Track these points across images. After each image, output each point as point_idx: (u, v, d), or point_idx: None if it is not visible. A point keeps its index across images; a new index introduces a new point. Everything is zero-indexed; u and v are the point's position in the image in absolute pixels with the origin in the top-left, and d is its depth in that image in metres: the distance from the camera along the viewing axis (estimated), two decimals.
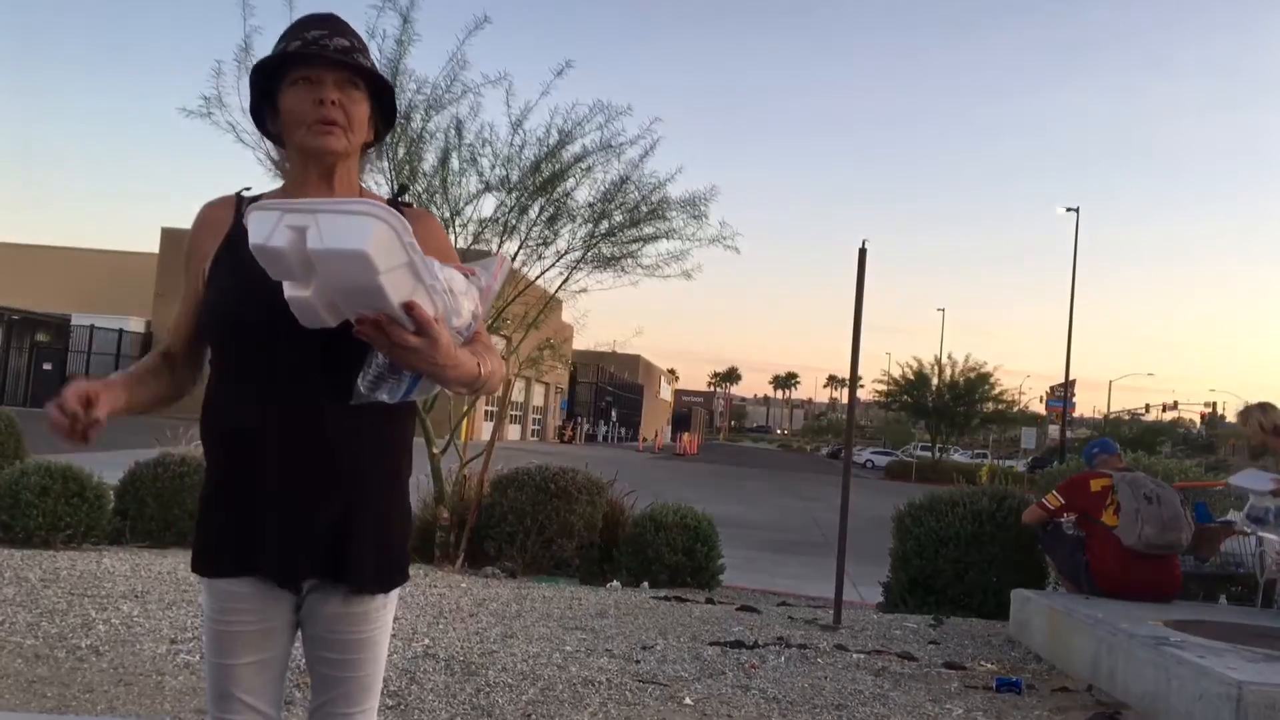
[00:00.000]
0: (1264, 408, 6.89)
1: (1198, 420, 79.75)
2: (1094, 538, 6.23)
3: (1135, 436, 48.25)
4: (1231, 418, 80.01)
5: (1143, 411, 78.70)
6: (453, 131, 9.07)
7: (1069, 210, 45.01)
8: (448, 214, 9.28)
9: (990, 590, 7.23)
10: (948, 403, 50.65)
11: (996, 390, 51.45)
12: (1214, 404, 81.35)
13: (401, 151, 9.02)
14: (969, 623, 6.66)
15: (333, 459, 1.79)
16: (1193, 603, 6.21)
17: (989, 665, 5.46)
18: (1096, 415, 79.91)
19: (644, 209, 9.57)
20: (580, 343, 15.62)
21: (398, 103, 2.41)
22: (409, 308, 1.56)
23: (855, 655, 5.48)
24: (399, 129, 8.72)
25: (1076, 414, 66.60)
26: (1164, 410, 77.26)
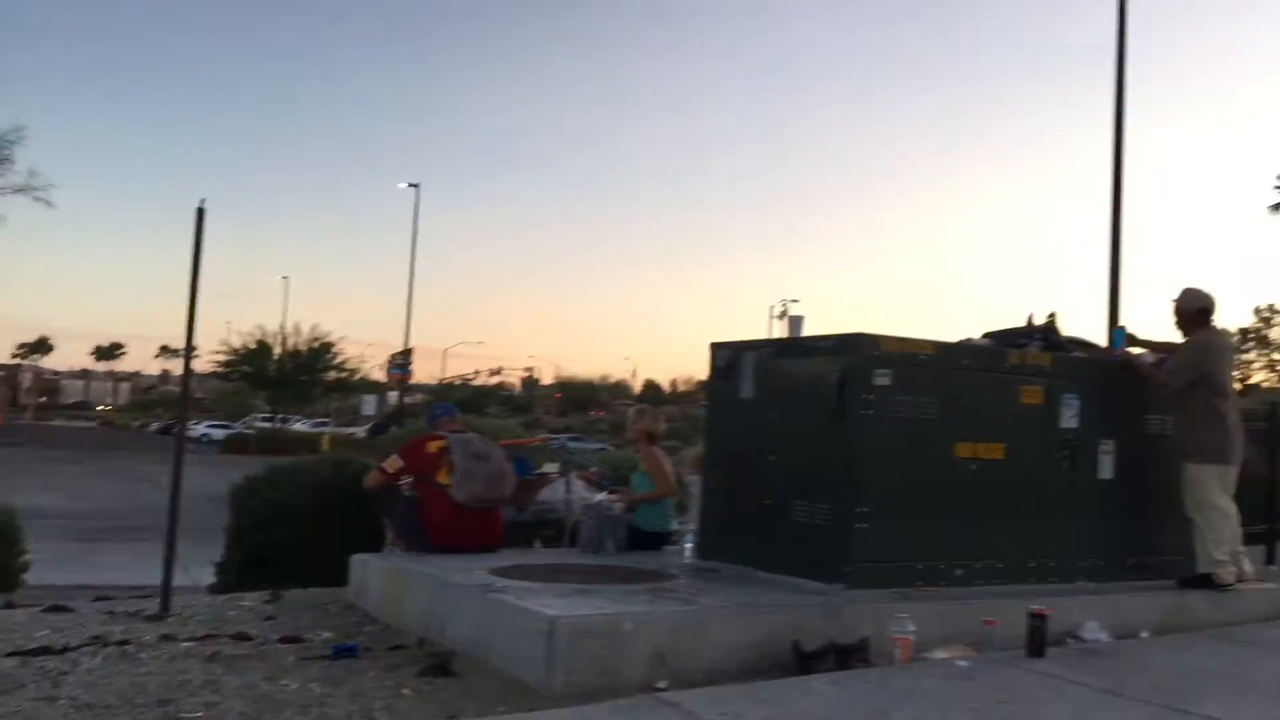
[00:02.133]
0: (641, 412, 7.84)
1: (518, 384, 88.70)
2: (429, 497, 6.54)
3: (466, 400, 52.11)
4: (547, 380, 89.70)
5: (473, 376, 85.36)
6: None
7: (411, 185, 46.92)
8: None
9: (332, 559, 7.23)
10: (290, 372, 50.08)
11: (340, 359, 52.08)
12: (531, 369, 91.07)
13: None
14: (309, 594, 6.60)
15: None
16: (515, 550, 6.81)
17: (326, 634, 5.45)
18: (433, 381, 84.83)
19: None
20: None
21: None
22: None
23: (184, 644, 5.12)
24: None
25: (415, 381, 69.83)
26: (490, 375, 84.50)
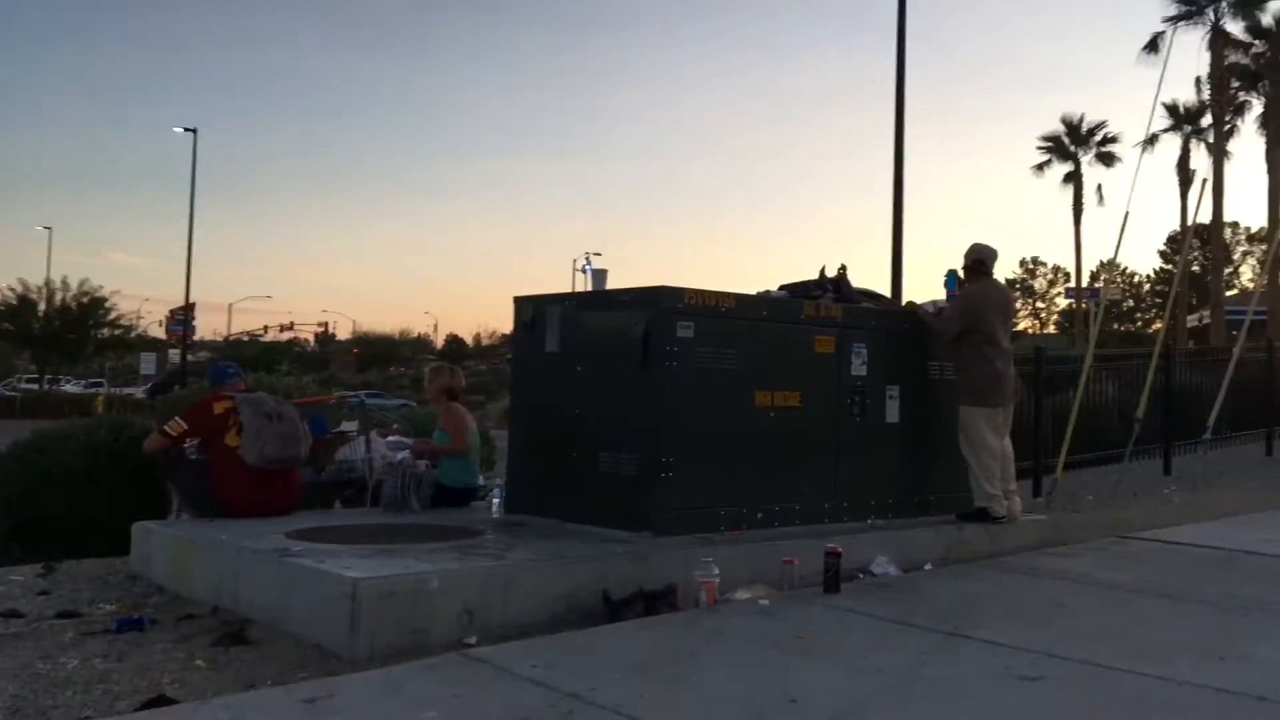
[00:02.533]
0: (437, 370, 7.62)
1: (312, 339, 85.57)
2: (217, 460, 6.21)
3: (256, 357, 49.86)
4: (343, 336, 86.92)
5: (262, 332, 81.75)
6: None
7: (187, 130, 44.10)
8: None
9: (112, 529, 6.78)
10: (58, 330, 46.55)
11: (114, 315, 48.77)
12: (326, 323, 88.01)
13: None
14: (86, 565, 6.17)
15: None
16: (313, 511, 6.58)
17: (109, 607, 5.12)
18: (218, 338, 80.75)
19: None
20: None
21: None
22: None
23: None
24: None
25: (198, 337, 66.34)
26: (281, 330, 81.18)
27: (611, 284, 6.39)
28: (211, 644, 4.43)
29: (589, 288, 6.61)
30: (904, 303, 7.31)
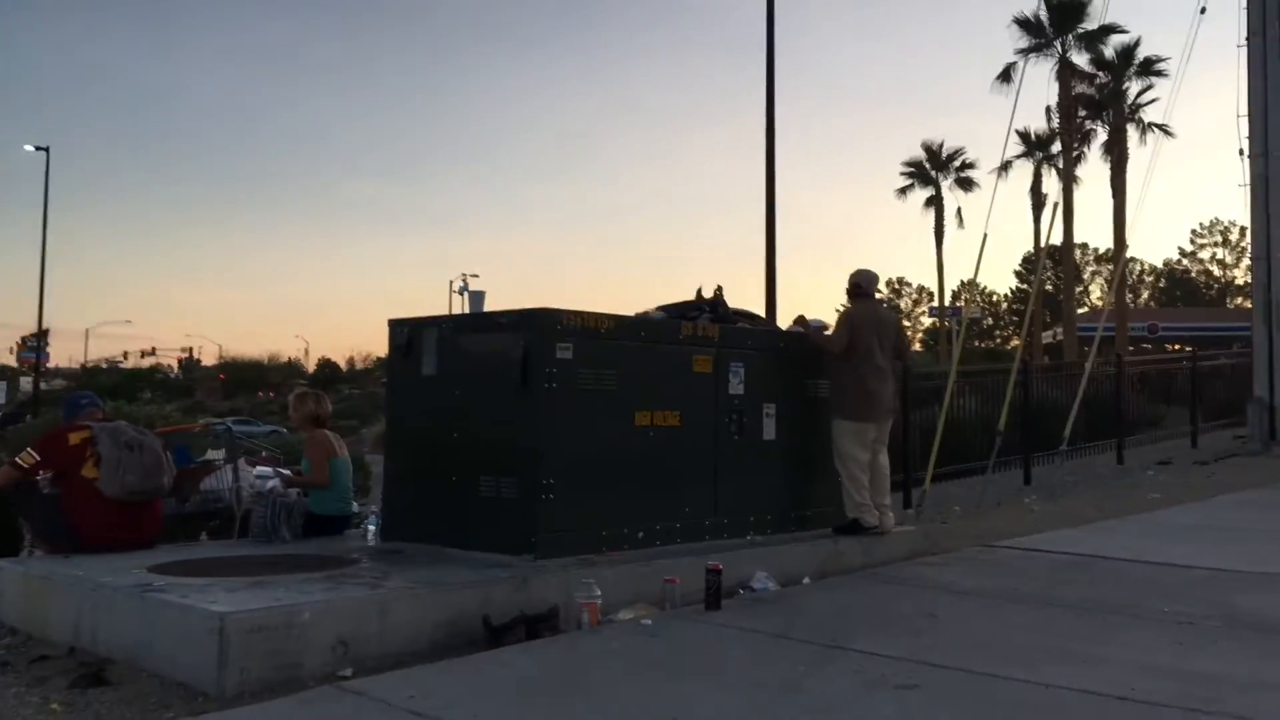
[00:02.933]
0: (302, 397, 7.37)
1: (176, 365, 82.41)
2: (74, 493, 5.90)
3: (116, 385, 47.69)
4: (209, 361, 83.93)
5: (122, 359, 78.38)
6: None
7: (39, 149, 42.11)
8: None
9: None
10: None
11: None
12: (190, 349, 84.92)
13: None
14: None
15: None
16: (177, 544, 6.31)
17: None
18: (74, 365, 77.01)
19: None
20: None
21: None
22: None
23: None
24: None
25: (52, 365, 63.19)
26: (143, 356, 78.01)
27: (490, 306, 6.33)
28: (68, 686, 4.19)
29: (467, 309, 6.53)
30: (795, 316, 7.53)
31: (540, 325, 5.59)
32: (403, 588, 4.89)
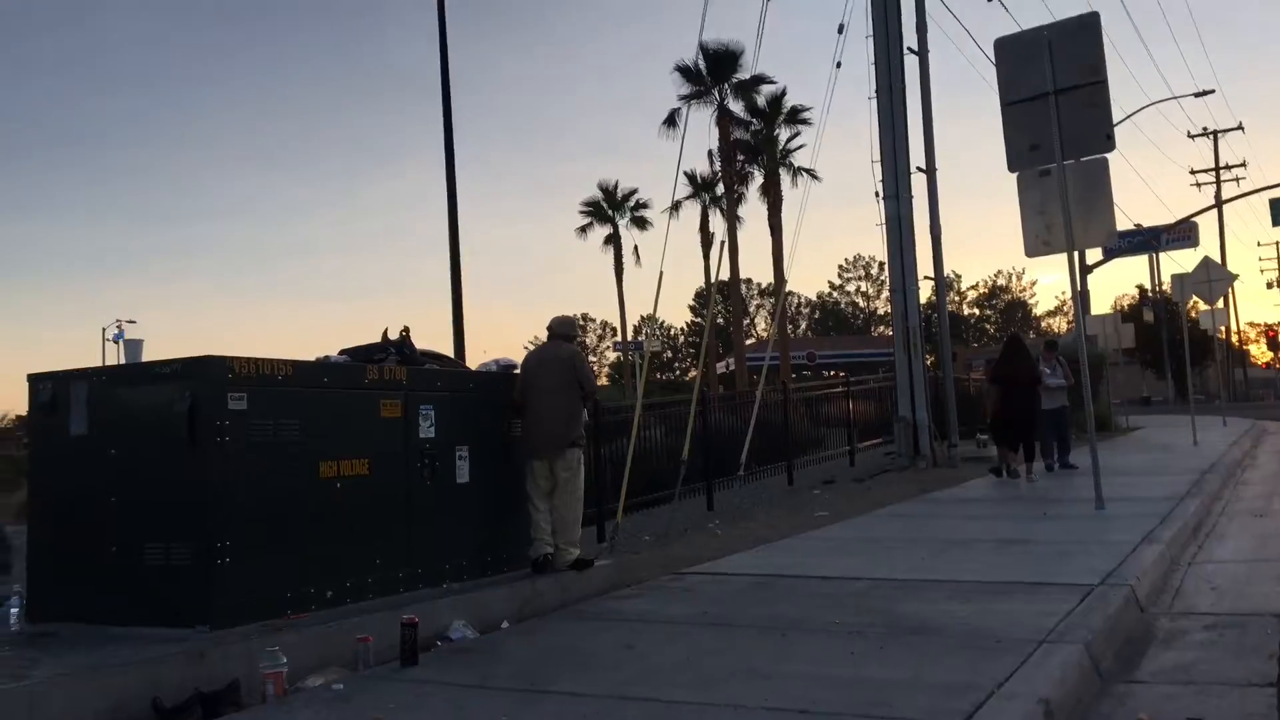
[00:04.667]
0: None
1: None
2: None
3: None
4: None
5: None
6: None
7: None
8: None
9: None
10: None
11: None
12: None
13: None
14: None
15: None
16: None
17: None
18: None
19: None
20: None
21: None
22: None
23: None
24: None
25: None
26: None
27: (149, 355, 5.81)
28: None
29: (123, 359, 5.96)
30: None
31: (209, 374, 5.19)
32: (56, 676, 4.34)
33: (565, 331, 7.45)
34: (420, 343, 7.11)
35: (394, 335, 6.98)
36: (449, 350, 15.07)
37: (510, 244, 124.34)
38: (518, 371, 7.46)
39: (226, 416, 5.19)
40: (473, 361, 9.16)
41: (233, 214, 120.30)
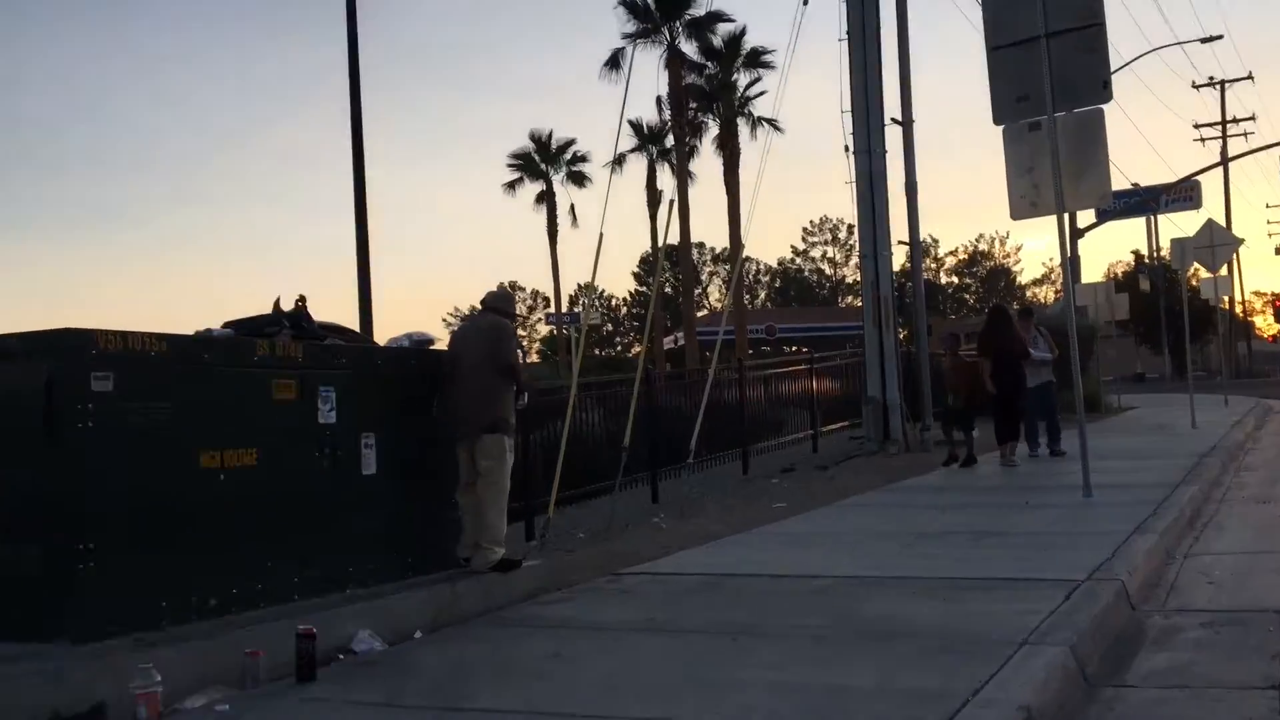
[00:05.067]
0: None
1: None
2: None
3: None
4: None
5: None
6: None
7: None
8: None
9: None
10: None
11: None
12: None
13: None
14: None
15: None
16: None
17: None
18: None
19: None
20: None
21: None
22: None
23: None
24: None
25: None
26: None
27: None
28: None
29: None
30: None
31: (68, 350, 5.06)
32: None
33: (499, 305, 7.39)
34: (320, 315, 6.99)
35: (288, 305, 6.84)
36: (354, 324, 14.90)
37: (425, 202, 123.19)
38: (436, 347, 7.37)
39: (89, 399, 5.06)
40: (381, 337, 9.03)
41: (91, 161, 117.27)
